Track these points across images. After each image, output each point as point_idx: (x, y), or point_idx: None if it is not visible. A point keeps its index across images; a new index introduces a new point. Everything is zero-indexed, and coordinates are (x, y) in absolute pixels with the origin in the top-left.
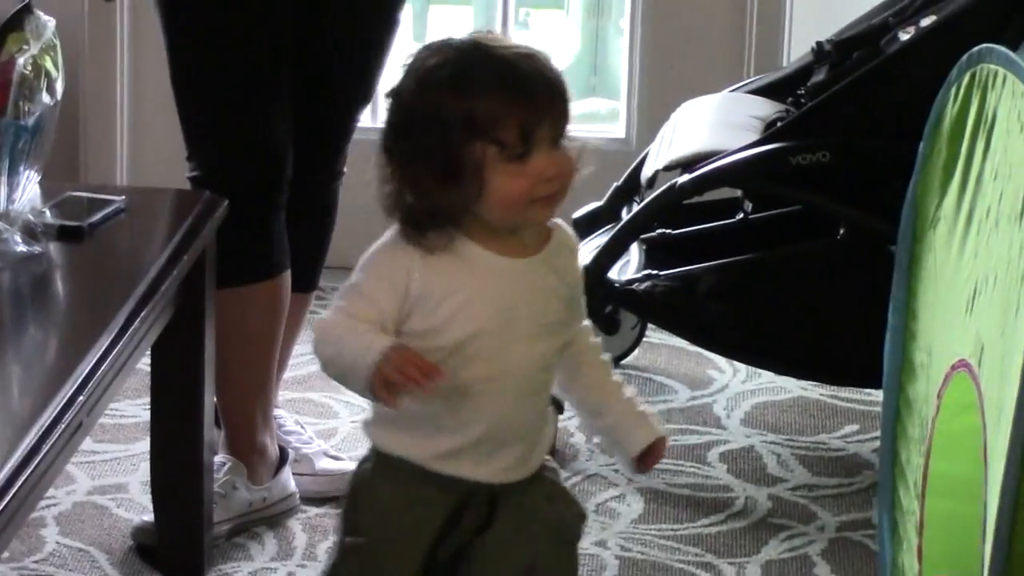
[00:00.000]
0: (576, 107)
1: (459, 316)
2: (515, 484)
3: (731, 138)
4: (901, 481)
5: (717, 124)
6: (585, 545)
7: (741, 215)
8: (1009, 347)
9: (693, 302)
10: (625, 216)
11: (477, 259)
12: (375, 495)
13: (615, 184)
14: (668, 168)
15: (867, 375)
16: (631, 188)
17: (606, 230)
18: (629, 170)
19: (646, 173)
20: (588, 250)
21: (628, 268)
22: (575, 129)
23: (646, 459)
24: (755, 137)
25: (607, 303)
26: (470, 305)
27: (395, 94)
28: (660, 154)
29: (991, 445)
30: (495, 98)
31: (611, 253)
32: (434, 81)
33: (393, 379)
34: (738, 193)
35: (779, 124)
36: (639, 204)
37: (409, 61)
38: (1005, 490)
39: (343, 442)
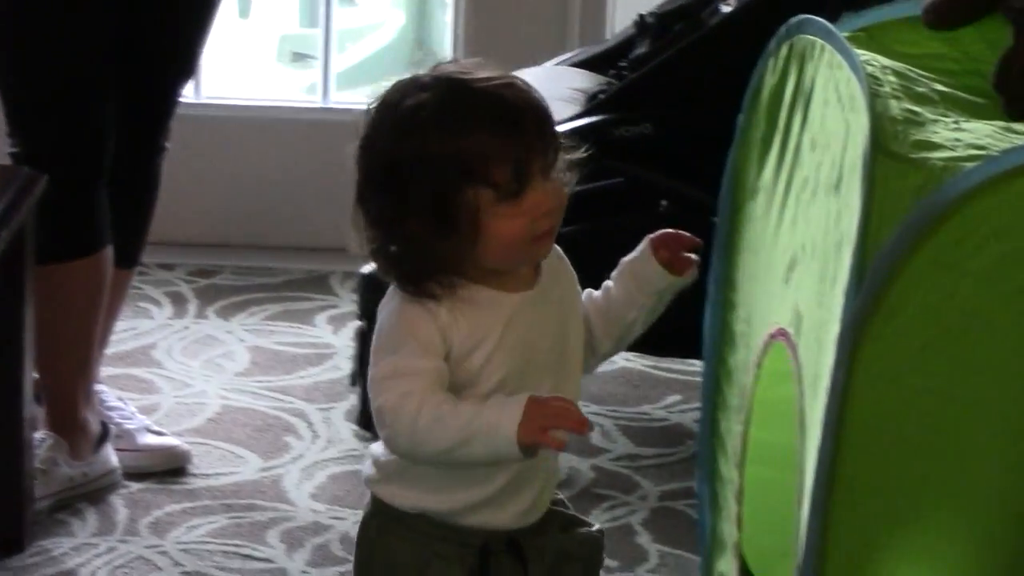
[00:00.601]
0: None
1: (490, 364)
2: (531, 526)
3: (555, 111)
4: (720, 450)
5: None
6: None
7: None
8: (826, 316)
9: None
10: None
11: (489, 301)
12: (390, 555)
13: None
14: None
15: (688, 346)
16: None
17: None
18: None
19: None
20: None
21: None
22: None
23: (663, 252)
24: (578, 110)
25: None
26: (498, 350)
27: (367, 141)
28: None
29: (808, 413)
30: (484, 137)
31: None
32: (416, 124)
33: (541, 440)
34: None
35: (601, 97)
36: None
37: (375, 104)
38: (822, 457)
39: (165, 417)
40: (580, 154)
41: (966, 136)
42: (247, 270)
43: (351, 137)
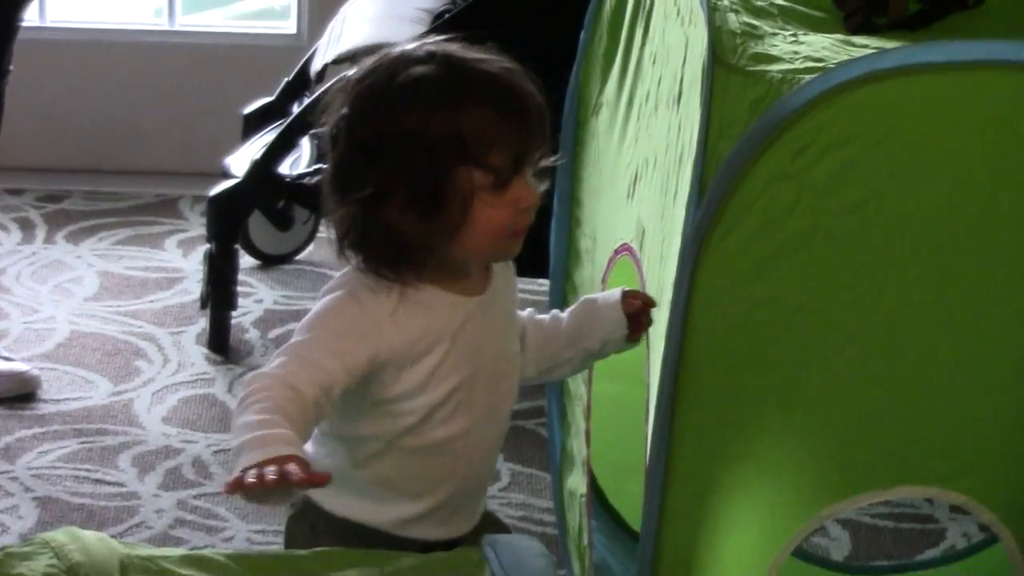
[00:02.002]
0: (250, 3)
1: (438, 373)
2: (469, 533)
3: (399, 30)
4: None
5: (384, 17)
6: None
7: None
8: (668, 229)
9: None
10: (296, 110)
11: (442, 304)
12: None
13: (286, 79)
14: (336, 62)
15: (535, 264)
16: (301, 83)
17: (277, 125)
18: (299, 65)
19: (315, 67)
20: (258, 145)
21: (299, 163)
22: (246, 26)
23: (638, 318)
24: (422, 29)
25: (279, 198)
26: (449, 356)
27: (352, 116)
28: (328, 49)
29: (652, 327)
30: (491, 118)
31: (281, 148)
32: (417, 98)
33: (246, 484)
34: None
35: (446, 15)
36: (309, 98)
37: (359, 79)
38: (666, 368)
39: (14, 343)
40: (554, 162)
41: (804, 49)
42: (96, 195)
43: (199, 61)
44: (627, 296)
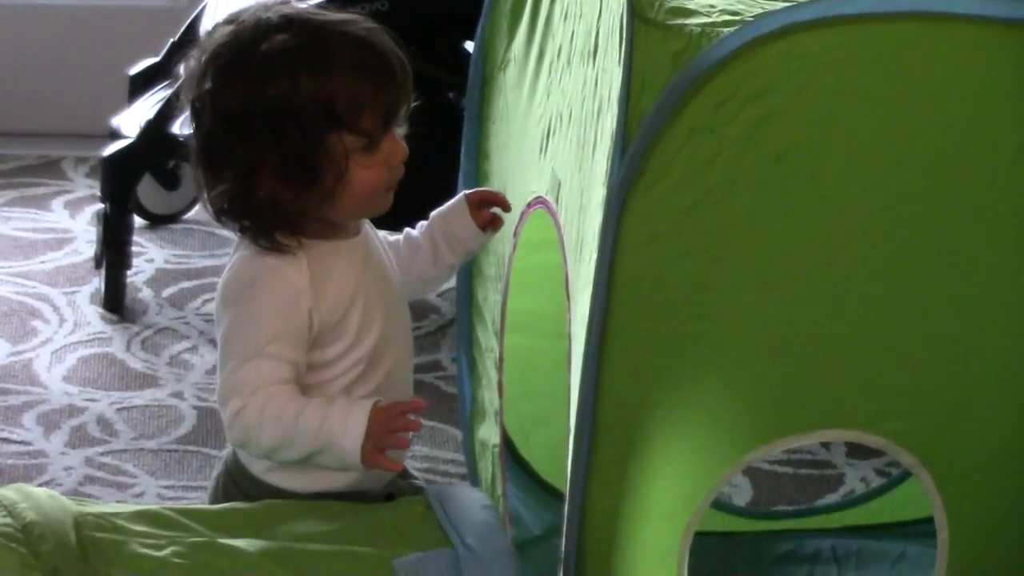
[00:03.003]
0: None
1: (366, 319)
2: (400, 475)
3: None
4: (478, 320)
5: None
6: (162, 397)
7: None
8: (586, 182)
9: None
10: (183, 71)
11: (342, 254)
12: None
13: (171, 40)
14: (228, 22)
15: None
16: (187, 43)
17: (165, 85)
18: (185, 25)
19: (206, 27)
20: (148, 105)
21: (188, 123)
22: None
23: (482, 212)
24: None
25: (170, 157)
26: (367, 302)
27: (215, 90)
28: (219, 8)
29: (572, 279)
30: (359, 83)
31: (174, 107)
32: (281, 67)
33: (388, 443)
34: None
35: None
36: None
37: (216, 51)
38: (593, 318)
39: None
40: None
41: (719, 2)
42: None
43: (77, 23)
44: (474, 204)
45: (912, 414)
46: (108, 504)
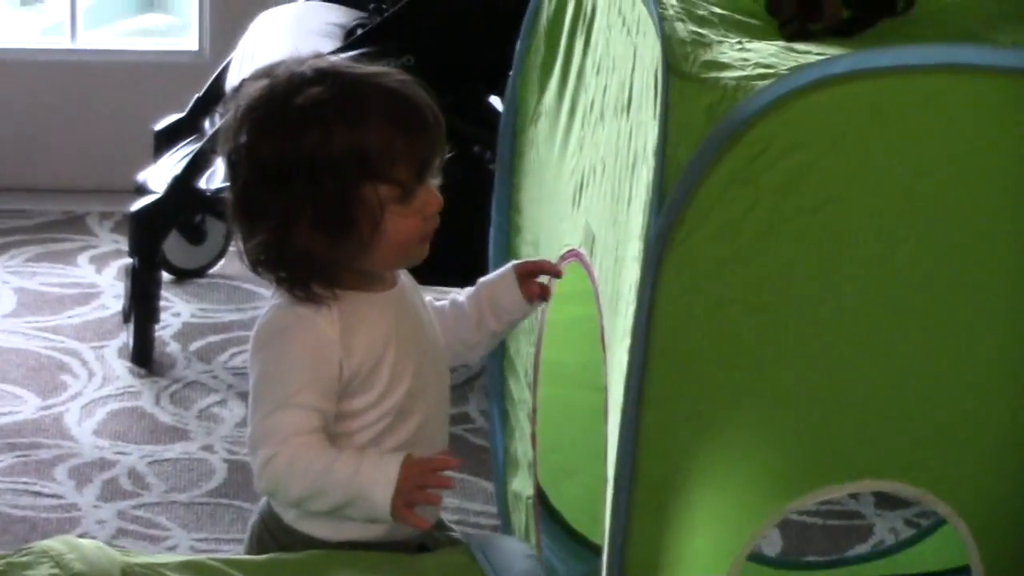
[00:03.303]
0: (133, 23)
1: (397, 371)
2: (434, 528)
3: (314, 45)
4: (511, 372)
5: (298, 32)
6: (192, 450)
7: None
8: (621, 235)
9: None
10: (208, 127)
11: (376, 306)
12: None
13: (196, 96)
14: (255, 78)
15: (469, 273)
16: (212, 99)
17: (189, 141)
18: (210, 81)
19: (232, 82)
20: (175, 161)
21: (215, 178)
22: (141, 44)
23: (531, 284)
24: (337, 44)
25: (197, 212)
26: (398, 354)
27: (251, 144)
28: (244, 64)
29: (609, 330)
30: (392, 134)
31: (200, 163)
32: (315, 119)
33: (419, 499)
34: None
35: (359, 31)
36: (224, 114)
37: (251, 105)
38: (631, 370)
39: None
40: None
41: (752, 56)
42: (2, 212)
43: (101, 78)
44: (522, 275)
45: (948, 464)
46: (153, 555)
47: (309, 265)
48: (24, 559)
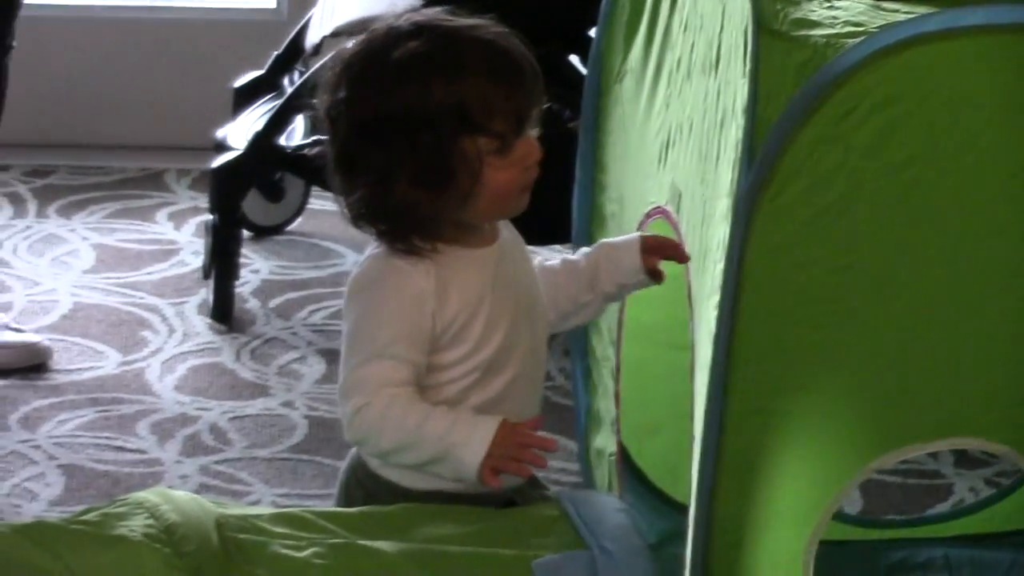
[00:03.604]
0: None
1: (489, 328)
2: (523, 485)
3: (394, 3)
4: (594, 329)
5: None
6: (273, 406)
7: None
8: (709, 192)
9: None
10: (287, 85)
11: (474, 262)
12: None
13: (275, 53)
14: (335, 35)
15: (555, 231)
16: (292, 57)
17: (269, 99)
18: (289, 39)
19: (312, 40)
20: (255, 118)
21: (294, 135)
22: (218, 2)
23: (654, 257)
24: (417, 3)
25: (278, 170)
26: (493, 311)
27: (350, 97)
28: (324, 21)
29: (696, 287)
30: (489, 86)
31: (281, 120)
32: (413, 73)
33: (510, 469)
34: None
35: None
36: (304, 72)
37: (349, 59)
38: (721, 328)
39: (19, 315)
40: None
41: (841, 14)
42: (82, 169)
43: (179, 36)
44: (648, 248)
45: None
46: (247, 507)
47: (410, 218)
48: (119, 510)
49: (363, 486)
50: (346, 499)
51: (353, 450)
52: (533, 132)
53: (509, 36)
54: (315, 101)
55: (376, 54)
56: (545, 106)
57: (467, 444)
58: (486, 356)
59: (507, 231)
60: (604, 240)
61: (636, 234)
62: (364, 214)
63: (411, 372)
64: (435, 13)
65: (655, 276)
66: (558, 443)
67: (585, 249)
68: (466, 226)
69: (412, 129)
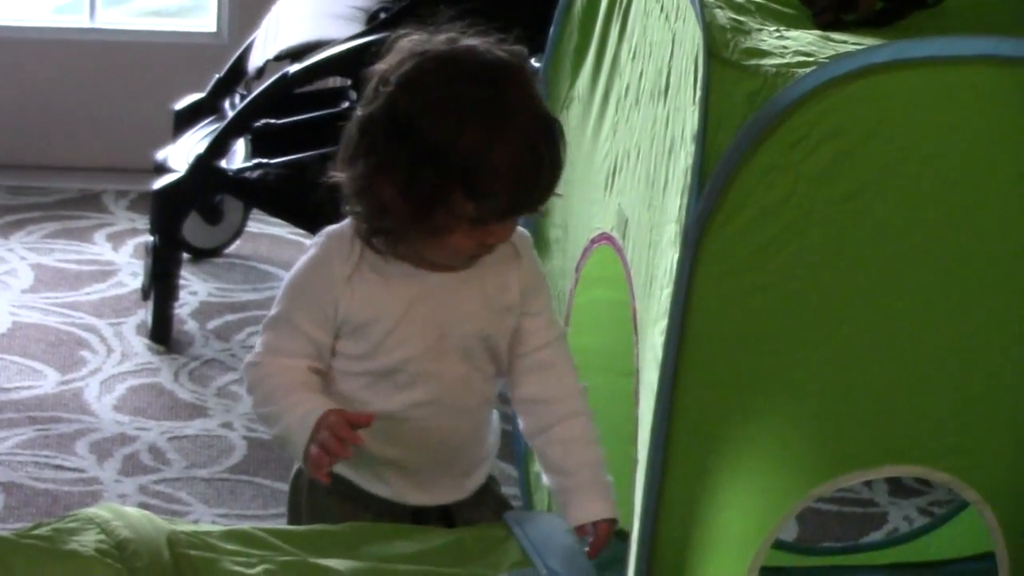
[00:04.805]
0: (145, 3)
1: (386, 343)
2: (464, 501)
3: (337, 28)
4: None
5: (321, 15)
6: (212, 427)
7: (347, 104)
8: (657, 218)
9: (304, 189)
10: (228, 107)
11: (401, 275)
12: (323, 512)
13: (216, 76)
14: (278, 58)
15: None
16: (233, 80)
17: (209, 121)
18: (231, 62)
19: (255, 63)
20: (194, 141)
21: (235, 158)
22: (159, 24)
23: (584, 531)
24: (360, 27)
25: (218, 192)
26: (397, 330)
27: (400, 90)
28: (268, 45)
29: (642, 313)
30: (505, 172)
31: (223, 143)
32: (460, 115)
33: (334, 450)
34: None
35: (383, 15)
36: (245, 95)
37: (409, 73)
38: (667, 352)
39: None
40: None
41: (791, 44)
42: (20, 190)
43: (119, 58)
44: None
45: (976, 451)
46: (197, 524)
47: (380, 217)
48: (70, 525)
49: (305, 474)
50: (293, 487)
51: None
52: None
53: (551, 131)
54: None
55: (445, 71)
56: None
57: (298, 427)
58: (380, 365)
59: (494, 275)
60: (571, 483)
61: (590, 522)
62: (352, 189)
63: (307, 344)
64: (512, 56)
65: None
66: (372, 416)
67: (569, 450)
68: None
69: (425, 154)
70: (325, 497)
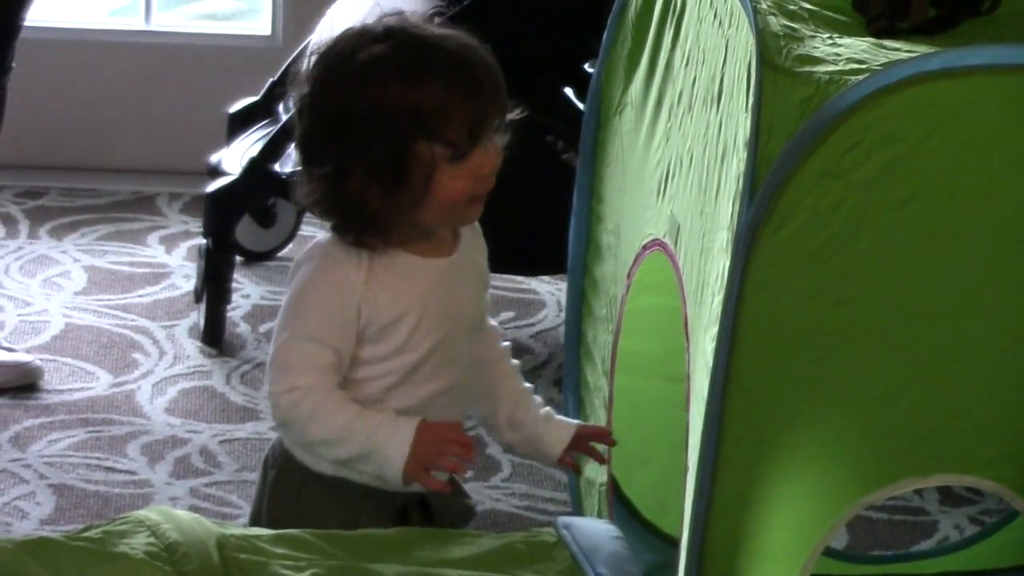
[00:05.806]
0: (199, 6)
1: (416, 333)
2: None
3: None
4: (587, 359)
5: (375, 19)
6: (263, 430)
7: None
8: (708, 225)
9: None
10: (282, 111)
11: (414, 268)
12: (318, 517)
13: (270, 79)
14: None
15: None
16: (287, 83)
17: (263, 125)
18: (285, 66)
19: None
20: (250, 143)
21: (288, 162)
22: (214, 28)
23: (578, 447)
24: None
25: (271, 195)
26: (423, 319)
27: (316, 92)
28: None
29: (693, 319)
30: (444, 94)
31: (277, 146)
32: (374, 75)
33: (437, 464)
34: None
35: (438, 20)
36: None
37: (322, 55)
38: (717, 360)
39: (10, 335)
40: (517, 115)
41: (844, 51)
42: (74, 191)
43: (173, 61)
44: (578, 438)
45: None
46: (247, 528)
47: (360, 214)
48: (121, 527)
49: (276, 465)
50: (262, 478)
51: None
52: (496, 143)
53: (477, 48)
54: (289, 96)
55: (344, 52)
56: (542, 137)
57: (391, 442)
58: (410, 360)
59: (473, 251)
60: (547, 412)
61: (574, 425)
62: (317, 203)
63: (335, 358)
64: (409, 19)
65: (567, 464)
66: (473, 443)
67: (538, 398)
68: (420, 232)
69: (369, 128)
70: (321, 499)
